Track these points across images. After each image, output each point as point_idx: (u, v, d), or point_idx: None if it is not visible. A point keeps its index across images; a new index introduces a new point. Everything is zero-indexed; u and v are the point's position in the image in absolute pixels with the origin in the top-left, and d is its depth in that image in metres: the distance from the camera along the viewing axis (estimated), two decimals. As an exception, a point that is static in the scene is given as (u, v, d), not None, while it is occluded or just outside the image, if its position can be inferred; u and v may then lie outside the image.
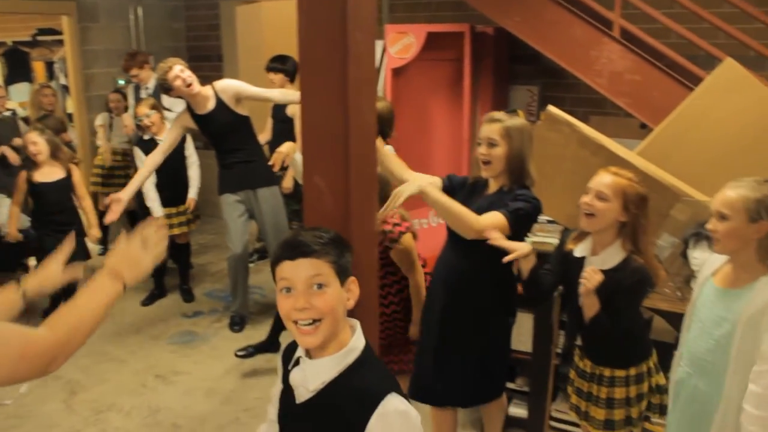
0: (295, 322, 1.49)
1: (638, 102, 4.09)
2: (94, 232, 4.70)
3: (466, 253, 2.69)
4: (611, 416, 2.53)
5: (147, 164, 4.37)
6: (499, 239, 2.41)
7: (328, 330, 1.48)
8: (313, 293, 1.47)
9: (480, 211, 2.62)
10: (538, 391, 3.30)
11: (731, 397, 2.13)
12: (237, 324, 4.74)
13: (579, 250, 2.56)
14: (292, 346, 1.65)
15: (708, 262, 2.35)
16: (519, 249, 2.44)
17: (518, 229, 2.60)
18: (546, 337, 3.20)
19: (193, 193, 5.05)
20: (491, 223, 2.48)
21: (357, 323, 1.58)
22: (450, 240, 2.80)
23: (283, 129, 5.01)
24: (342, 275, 1.52)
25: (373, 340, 1.74)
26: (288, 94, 4.35)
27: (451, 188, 2.81)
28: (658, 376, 2.58)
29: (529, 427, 3.37)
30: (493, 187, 2.72)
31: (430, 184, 2.55)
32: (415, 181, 2.51)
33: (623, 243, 2.43)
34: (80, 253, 4.55)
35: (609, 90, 4.13)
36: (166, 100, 5.05)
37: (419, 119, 4.86)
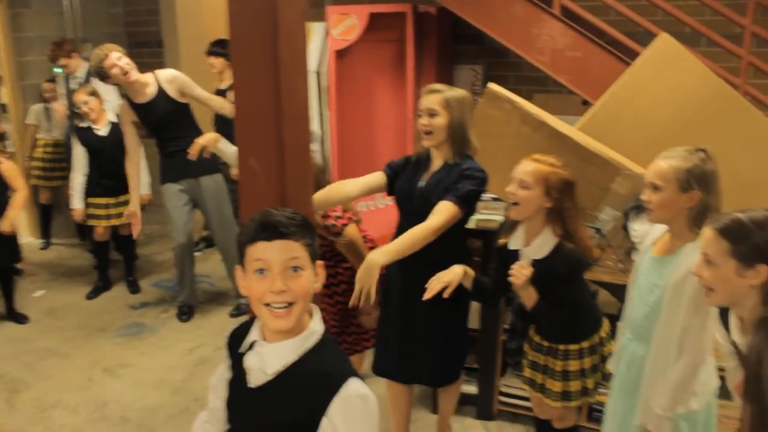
0: (267, 305, 1.46)
1: (579, 78, 4.13)
2: (4, 224, 4.40)
3: None
4: (567, 388, 2.58)
5: (129, 173, 4.43)
6: (432, 291, 2.45)
7: (299, 313, 1.48)
8: (290, 276, 1.45)
9: (428, 189, 2.66)
10: (487, 367, 3.33)
11: (657, 360, 2.19)
12: (185, 314, 4.67)
13: (513, 243, 2.58)
14: (240, 331, 1.63)
15: (650, 233, 2.39)
16: (451, 280, 2.47)
17: (468, 210, 2.65)
18: (493, 313, 3.23)
19: (144, 189, 4.86)
20: (445, 218, 2.53)
21: (315, 307, 1.57)
22: (402, 223, 2.81)
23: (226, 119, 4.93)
24: (313, 259, 1.51)
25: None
26: (226, 107, 4.30)
27: (394, 175, 2.82)
28: (610, 345, 2.62)
29: (479, 403, 3.41)
30: (437, 161, 2.72)
31: (383, 253, 2.49)
32: (370, 263, 2.45)
33: (553, 229, 2.45)
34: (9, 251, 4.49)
35: (550, 67, 4.16)
36: (99, 87, 4.90)
37: (364, 100, 4.83)
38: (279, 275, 1.44)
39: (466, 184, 2.59)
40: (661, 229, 2.31)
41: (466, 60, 5.32)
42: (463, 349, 2.93)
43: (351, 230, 2.95)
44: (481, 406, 3.41)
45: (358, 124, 4.76)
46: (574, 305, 2.54)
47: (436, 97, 2.64)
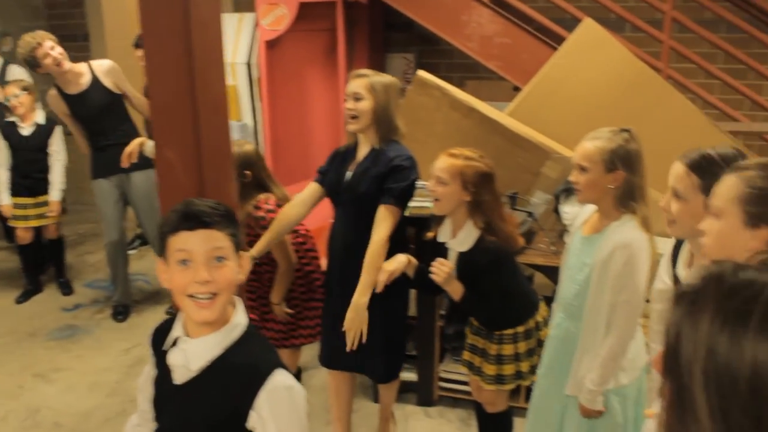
0: (191, 296, 1.42)
1: (509, 65, 4.18)
2: None
3: (356, 225, 2.70)
4: (501, 371, 2.61)
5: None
6: (382, 284, 2.53)
7: (223, 304, 1.45)
8: (214, 266, 1.42)
9: (355, 179, 2.67)
10: (426, 354, 3.35)
11: (587, 337, 2.24)
12: (121, 314, 4.56)
13: (441, 235, 2.61)
14: (163, 328, 1.60)
15: (580, 214, 2.43)
16: (396, 268, 2.53)
17: (406, 205, 2.69)
18: (429, 300, 3.24)
19: (56, 196, 4.62)
20: (390, 225, 2.59)
21: (238, 299, 1.54)
22: (336, 213, 2.82)
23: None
24: (237, 249, 1.48)
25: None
26: (146, 108, 4.21)
27: (324, 174, 2.83)
28: (546, 329, 2.63)
29: (419, 390, 3.43)
30: (363, 148, 2.73)
31: (361, 293, 2.59)
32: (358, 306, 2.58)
33: (474, 222, 2.48)
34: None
35: (480, 54, 4.20)
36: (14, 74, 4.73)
37: (296, 91, 4.78)
38: (203, 265, 1.40)
39: (400, 182, 2.61)
40: (590, 209, 2.35)
41: (398, 48, 5.32)
42: (402, 344, 2.95)
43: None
44: (422, 393, 3.43)
45: (291, 115, 4.72)
46: (505, 292, 2.56)
47: (362, 81, 2.65)
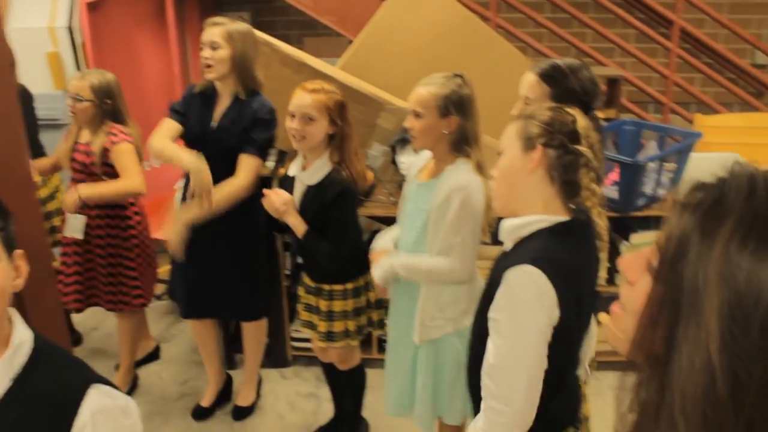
0: None
1: (343, 19, 4.15)
2: None
3: (219, 176, 2.61)
4: (332, 328, 2.60)
5: None
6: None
7: None
8: None
9: (221, 131, 2.67)
10: (274, 316, 3.31)
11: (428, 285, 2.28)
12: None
13: (291, 169, 2.56)
14: None
15: (416, 162, 2.44)
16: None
17: (266, 157, 2.72)
18: (273, 260, 3.20)
19: None
20: (252, 173, 2.61)
21: (12, 311, 1.20)
22: None
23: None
24: (9, 248, 1.16)
25: (57, 327, 1.50)
26: None
27: (183, 115, 2.73)
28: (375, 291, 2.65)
29: (271, 351, 3.39)
30: (224, 97, 2.68)
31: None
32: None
33: (330, 154, 2.45)
34: None
35: (314, 9, 4.14)
36: None
37: (125, 56, 4.51)
38: None
39: (262, 133, 2.62)
40: (425, 156, 2.37)
41: (233, 6, 5.15)
42: (260, 286, 2.96)
43: (125, 147, 2.86)
44: (275, 354, 3.40)
45: (121, 81, 4.46)
46: (343, 237, 2.51)
47: (218, 29, 2.60)
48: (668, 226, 0.68)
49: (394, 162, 3.29)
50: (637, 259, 0.77)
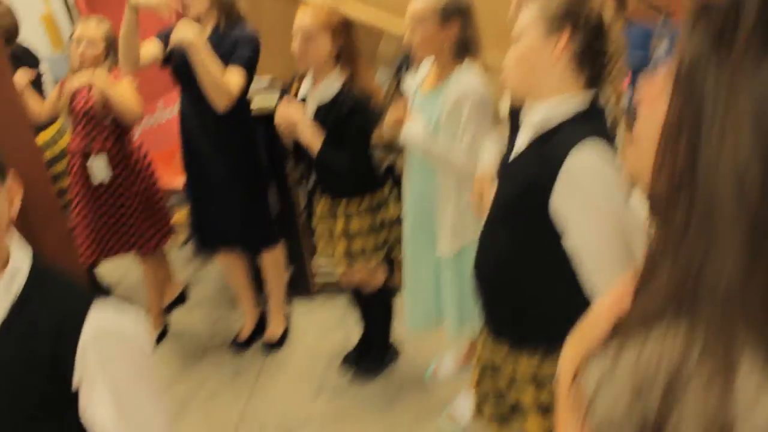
0: None
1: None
2: None
3: (205, 107, 2.60)
4: (350, 247, 2.61)
5: None
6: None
7: None
8: None
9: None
10: (295, 250, 3.31)
11: (444, 191, 2.27)
12: None
13: (301, 90, 2.56)
14: None
15: (417, 76, 2.41)
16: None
17: (251, 72, 2.64)
18: (287, 197, 3.20)
19: None
20: (238, 82, 2.53)
21: (13, 238, 1.14)
22: (182, 98, 2.81)
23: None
24: (1, 176, 1.09)
25: (62, 243, 1.48)
26: None
27: (165, 39, 2.70)
28: (395, 209, 2.64)
29: (296, 285, 3.42)
30: (206, 29, 2.64)
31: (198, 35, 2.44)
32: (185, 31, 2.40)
33: (341, 69, 2.43)
34: None
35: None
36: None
37: (120, 10, 4.41)
38: None
39: (245, 51, 2.58)
40: (423, 70, 2.35)
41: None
42: (262, 213, 2.98)
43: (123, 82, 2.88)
44: (299, 287, 3.42)
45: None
46: (358, 150, 2.50)
47: None
48: (681, 42, 0.64)
49: (398, 86, 3.25)
50: (652, 84, 0.74)
